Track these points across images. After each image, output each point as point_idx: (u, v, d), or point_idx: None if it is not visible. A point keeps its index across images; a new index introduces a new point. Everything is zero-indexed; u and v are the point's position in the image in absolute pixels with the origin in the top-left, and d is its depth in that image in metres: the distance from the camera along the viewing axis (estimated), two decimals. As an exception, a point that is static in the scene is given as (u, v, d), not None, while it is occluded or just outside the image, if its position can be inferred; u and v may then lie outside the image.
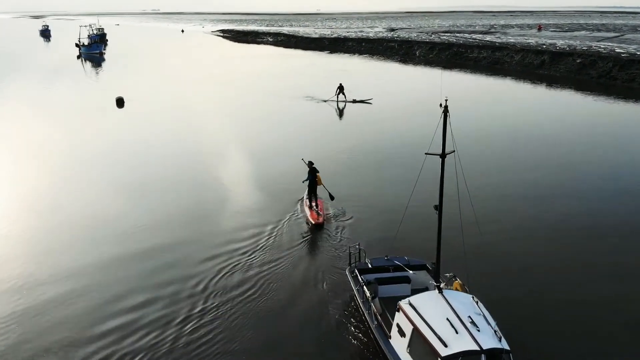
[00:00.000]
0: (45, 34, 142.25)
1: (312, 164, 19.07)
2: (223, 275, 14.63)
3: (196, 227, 18.09)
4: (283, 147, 28.06)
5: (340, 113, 39.03)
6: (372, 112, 38.11)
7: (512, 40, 76.93)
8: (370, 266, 13.30)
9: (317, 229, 17.69)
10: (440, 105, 10.39)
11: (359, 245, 14.12)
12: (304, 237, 17.24)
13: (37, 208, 19.86)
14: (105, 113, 37.15)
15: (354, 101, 40.97)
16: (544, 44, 67.77)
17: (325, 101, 41.40)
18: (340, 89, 41.59)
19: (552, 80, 52.51)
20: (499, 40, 76.82)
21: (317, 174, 18.88)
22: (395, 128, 32.97)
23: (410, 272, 12.82)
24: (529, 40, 75.65)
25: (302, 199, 19.88)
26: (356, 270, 13.07)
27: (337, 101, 41.39)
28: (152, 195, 21.32)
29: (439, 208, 11.01)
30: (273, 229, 17.65)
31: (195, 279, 14.43)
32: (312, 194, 18.81)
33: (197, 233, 17.55)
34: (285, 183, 21.87)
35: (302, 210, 19.20)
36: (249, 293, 13.74)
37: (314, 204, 18.69)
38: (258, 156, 26.66)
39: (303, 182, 19.07)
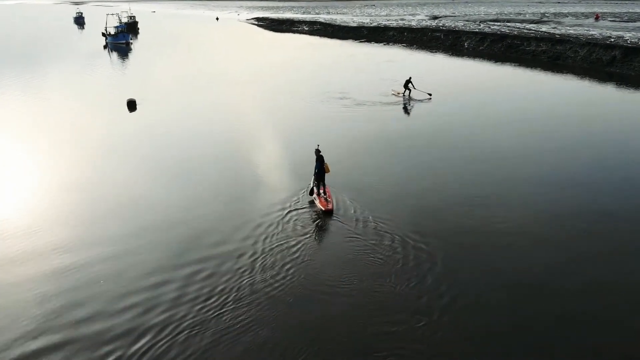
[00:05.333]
0: (79, 21, 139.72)
1: (319, 151, 18.78)
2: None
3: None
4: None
5: (407, 111, 34.57)
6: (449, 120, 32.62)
7: (572, 32, 69.39)
8: None
9: (326, 215, 17.54)
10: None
11: None
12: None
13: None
14: (114, 117, 32.69)
15: (429, 96, 37.65)
16: (611, 37, 60.29)
17: (400, 94, 38.22)
18: (407, 82, 37.89)
19: (624, 80, 45.69)
20: (558, 32, 69.32)
21: (325, 162, 18.74)
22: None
23: None
24: (592, 32, 68.03)
25: (308, 188, 19.39)
26: None
27: (403, 96, 37.94)
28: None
29: None
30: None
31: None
32: (321, 181, 18.69)
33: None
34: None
35: (310, 199, 18.88)
36: None
37: (322, 191, 18.62)
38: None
39: (315, 173, 18.70)
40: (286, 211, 18.15)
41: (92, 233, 17.00)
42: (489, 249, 15.95)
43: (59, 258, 15.40)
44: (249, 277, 14.17)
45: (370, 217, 17.71)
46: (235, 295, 13.38)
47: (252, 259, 15.12)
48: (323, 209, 17.90)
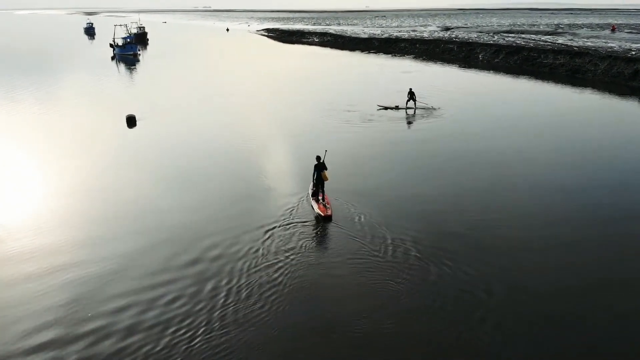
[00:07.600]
0: (90, 31, 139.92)
1: (320, 159, 19.01)
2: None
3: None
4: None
5: (409, 124, 33.21)
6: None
7: (589, 44, 67.38)
8: None
9: (325, 221, 17.72)
10: None
11: None
12: None
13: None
14: (111, 134, 31.12)
15: (432, 108, 36.42)
16: (631, 50, 58.18)
17: (400, 108, 36.72)
18: (411, 95, 36.30)
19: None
20: (576, 44, 67.31)
21: (324, 170, 18.88)
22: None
23: None
24: (610, 44, 65.98)
25: (308, 195, 19.75)
26: None
27: (406, 108, 36.41)
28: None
29: None
30: None
31: None
32: (320, 188, 18.99)
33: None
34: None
35: (310, 206, 19.07)
36: None
37: (320, 197, 18.92)
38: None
39: (313, 180, 19.09)
40: (270, 231, 17.11)
41: (76, 250, 15.98)
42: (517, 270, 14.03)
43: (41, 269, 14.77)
44: (251, 302, 12.42)
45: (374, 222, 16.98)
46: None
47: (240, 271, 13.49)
48: (322, 214, 18.03)
